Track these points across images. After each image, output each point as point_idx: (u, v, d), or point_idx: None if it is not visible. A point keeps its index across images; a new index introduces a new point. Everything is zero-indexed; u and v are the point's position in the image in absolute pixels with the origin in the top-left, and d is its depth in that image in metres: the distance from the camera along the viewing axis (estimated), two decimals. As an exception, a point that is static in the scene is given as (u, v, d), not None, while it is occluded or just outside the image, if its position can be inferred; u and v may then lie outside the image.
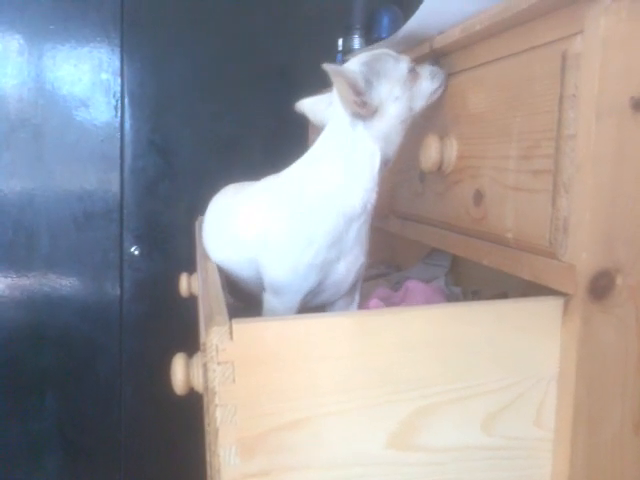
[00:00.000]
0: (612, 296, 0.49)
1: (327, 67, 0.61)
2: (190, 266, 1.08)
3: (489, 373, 0.51)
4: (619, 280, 0.49)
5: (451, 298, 0.89)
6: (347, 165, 0.68)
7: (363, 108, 0.65)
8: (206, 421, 0.48)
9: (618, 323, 0.50)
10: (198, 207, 1.37)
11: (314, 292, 0.71)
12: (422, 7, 0.67)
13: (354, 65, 0.68)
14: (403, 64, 0.68)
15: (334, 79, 0.64)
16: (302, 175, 0.72)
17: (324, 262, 0.68)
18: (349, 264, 0.70)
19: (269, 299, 0.72)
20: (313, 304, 0.73)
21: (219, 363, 0.45)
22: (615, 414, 0.51)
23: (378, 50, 0.70)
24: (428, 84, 0.69)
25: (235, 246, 0.79)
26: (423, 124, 0.71)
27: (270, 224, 0.72)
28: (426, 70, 0.70)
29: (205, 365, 0.46)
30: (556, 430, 0.52)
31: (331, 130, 0.70)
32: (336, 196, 0.68)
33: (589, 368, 0.50)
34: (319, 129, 0.73)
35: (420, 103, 0.69)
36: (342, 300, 0.75)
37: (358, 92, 0.64)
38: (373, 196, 0.69)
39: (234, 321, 0.46)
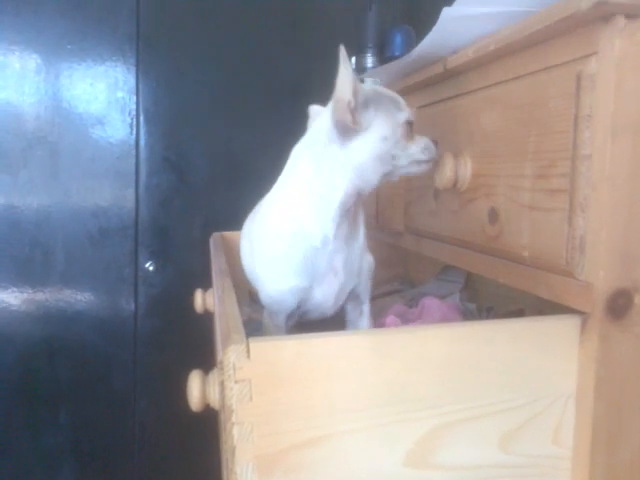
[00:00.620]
0: (630, 315, 0.49)
1: (342, 51, 0.59)
2: (205, 282, 1.08)
3: (506, 391, 0.51)
4: (637, 299, 0.49)
5: (466, 315, 0.88)
6: (311, 186, 0.65)
7: (350, 115, 0.61)
8: (223, 439, 0.49)
9: (637, 342, 0.49)
10: (212, 223, 1.39)
11: (299, 313, 0.72)
12: (436, 27, 0.68)
13: (365, 84, 0.67)
14: (403, 114, 0.65)
15: (343, 65, 0.60)
16: (275, 195, 0.71)
17: (295, 288, 0.68)
18: (324, 291, 0.69)
19: (264, 316, 0.73)
20: (307, 320, 0.74)
21: (236, 381, 0.46)
22: (634, 433, 0.51)
23: (391, 92, 0.69)
24: (417, 151, 0.67)
25: (247, 262, 0.81)
26: (438, 142, 0.71)
27: (252, 245, 0.74)
28: (422, 141, 0.67)
29: (222, 383, 0.46)
30: (574, 449, 0.52)
31: (306, 144, 0.68)
32: (295, 224, 0.66)
33: (607, 387, 0.50)
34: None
35: (402, 162, 0.66)
36: (352, 313, 0.76)
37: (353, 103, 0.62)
38: (333, 227, 0.66)
39: (251, 339, 0.46)
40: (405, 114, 0.66)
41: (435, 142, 0.69)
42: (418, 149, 0.67)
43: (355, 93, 0.62)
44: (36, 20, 1.49)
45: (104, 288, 1.55)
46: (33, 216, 1.52)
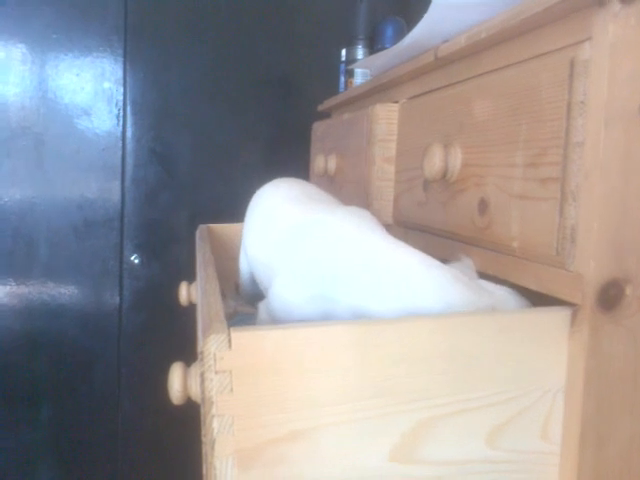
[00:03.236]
0: (621, 307, 0.48)
1: None
2: (190, 275, 1.07)
3: (494, 385, 0.49)
4: (629, 290, 0.48)
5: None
6: None
7: None
8: (202, 432, 0.47)
9: (628, 335, 0.48)
10: (199, 215, 1.37)
11: None
12: (427, 15, 0.67)
13: None
14: None
15: None
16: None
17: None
18: None
19: (261, 313, 0.69)
20: None
21: (217, 372, 0.44)
22: (624, 428, 0.50)
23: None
24: None
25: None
26: (427, 132, 0.70)
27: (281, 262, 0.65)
28: None
29: (202, 374, 0.44)
30: (563, 444, 0.51)
31: None
32: None
33: (597, 381, 0.49)
34: (323, 150, 0.70)
35: None
36: None
37: None
38: None
39: (233, 329, 0.45)
40: None
41: None
42: None
43: None
44: (22, 9, 1.46)
45: (88, 281, 1.53)
46: (17, 207, 1.49)
